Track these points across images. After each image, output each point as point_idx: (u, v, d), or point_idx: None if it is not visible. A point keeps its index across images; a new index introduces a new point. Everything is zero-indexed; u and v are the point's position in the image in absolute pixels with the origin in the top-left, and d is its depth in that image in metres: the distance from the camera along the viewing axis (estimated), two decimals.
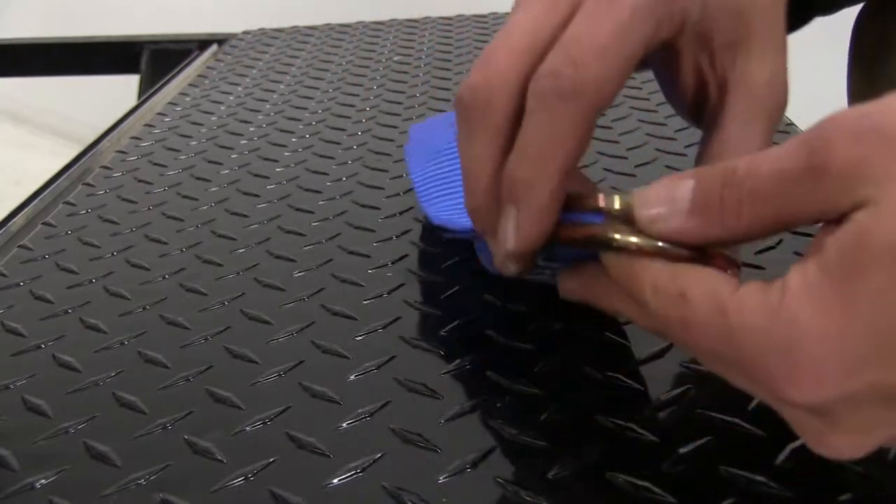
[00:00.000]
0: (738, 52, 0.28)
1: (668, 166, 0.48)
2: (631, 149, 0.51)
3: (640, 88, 0.59)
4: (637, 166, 0.49)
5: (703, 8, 0.28)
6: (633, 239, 0.24)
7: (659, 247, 0.23)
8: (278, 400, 0.31)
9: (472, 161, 0.27)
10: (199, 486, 0.28)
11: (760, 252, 0.39)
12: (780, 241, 0.40)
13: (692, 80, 0.30)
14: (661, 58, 0.30)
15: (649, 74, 0.32)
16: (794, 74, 0.29)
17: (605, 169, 0.48)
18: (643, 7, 0.25)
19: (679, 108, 0.32)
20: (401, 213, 0.45)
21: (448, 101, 0.62)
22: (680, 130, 0.53)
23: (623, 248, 0.24)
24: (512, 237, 0.26)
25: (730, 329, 0.21)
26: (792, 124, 0.53)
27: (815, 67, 0.79)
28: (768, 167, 0.21)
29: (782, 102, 0.29)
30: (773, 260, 0.38)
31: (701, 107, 0.30)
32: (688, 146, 0.51)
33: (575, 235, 0.25)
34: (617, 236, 0.24)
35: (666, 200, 0.23)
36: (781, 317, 0.20)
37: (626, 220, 0.24)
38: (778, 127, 0.29)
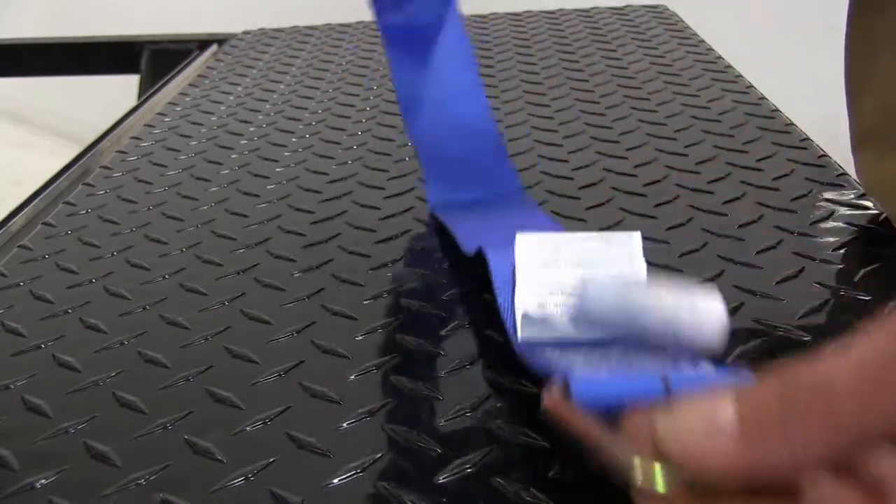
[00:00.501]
0: None
1: (667, 166, 0.48)
2: (631, 149, 0.51)
3: (641, 88, 0.59)
4: (637, 166, 0.49)
5: None
6: (660, 482, 0.19)
7: (697, 495, 0.18)
8: (278, 400, 0.31)
9: None
10: (199, 486, 0.28)
11: (760, 252, 0.39)
12: (780, 241, 0.40)
13: None
14: None
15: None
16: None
17: (605, 169, 0.48)
18: None
19: None
20: (401, 213, 0.45)
21: None
22: (680, 130, 0.53)
23: (650, 495, 0.19)
24: None
25: None
26: (792, 124, 0.53)
27: (814, 67, 0.79)
28: (847, 360, 0.16)
29: None
30: (772, 259, 0.38)
31: None
32: (688, 146, 0.51)
33: (590, 443, 0.22)
34: (638, 472, 0.19)
35: (705, 429, 0.18)
36: None
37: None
38: None
